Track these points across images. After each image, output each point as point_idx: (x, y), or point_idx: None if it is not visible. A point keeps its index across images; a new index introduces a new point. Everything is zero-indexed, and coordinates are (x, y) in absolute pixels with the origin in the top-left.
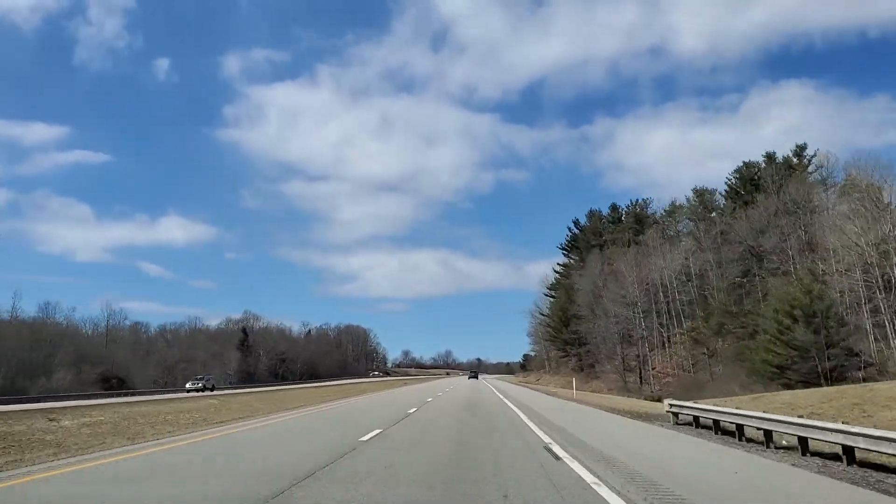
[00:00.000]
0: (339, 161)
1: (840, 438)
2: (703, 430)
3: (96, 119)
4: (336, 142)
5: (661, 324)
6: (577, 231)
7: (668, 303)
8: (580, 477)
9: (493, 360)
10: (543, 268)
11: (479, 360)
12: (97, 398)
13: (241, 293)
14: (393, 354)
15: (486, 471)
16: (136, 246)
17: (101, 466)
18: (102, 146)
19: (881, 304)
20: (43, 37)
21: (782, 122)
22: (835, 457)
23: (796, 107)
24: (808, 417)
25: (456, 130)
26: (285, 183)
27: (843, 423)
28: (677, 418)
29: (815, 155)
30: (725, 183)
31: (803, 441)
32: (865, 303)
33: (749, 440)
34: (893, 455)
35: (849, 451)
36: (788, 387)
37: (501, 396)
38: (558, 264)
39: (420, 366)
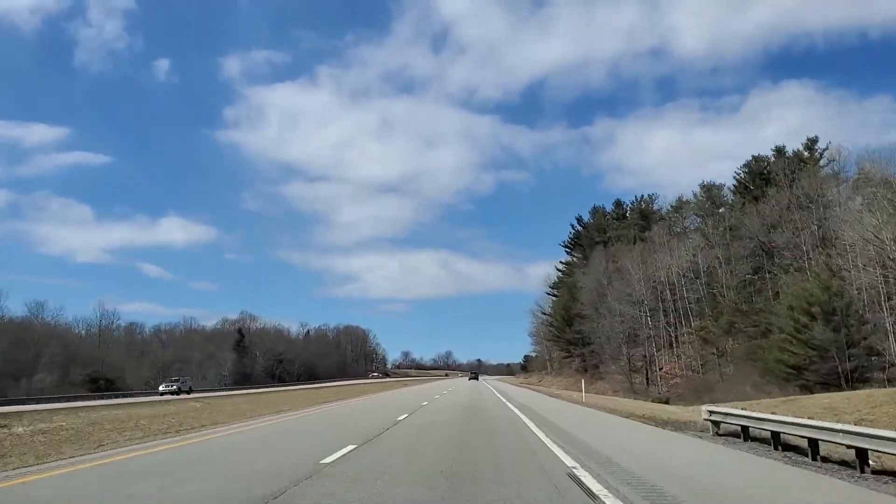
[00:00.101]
0: (340, 162)
1: None
2: (755, 444)
3: (96, 120)
4: (336, 143)
5: (668, 323)
6: (580, 228)
7: (675, 301)
8: None
9: (494, 362)
10: (544, 269)
11: (479, 361)
12: (77, 400)
13: (241, 294)
14: (393, 355)
15: None
16: (137, 247)
17: (28, 485)
18: (102, 147)
19: None
20: (43, 38)
21: (783, 122)
22: None
23: (797, 107)
24: (861, 425)
25: (456, 132)
26: (285, 184)
27: None
28: (717, 428)
29: (826, 148)
30: (734, 177)
31: None
32: (886, 300)
33: (824, 459)
34: None
35: None
36: (806, 388)
37: (504, 400)
38: (561, 262)
39: (420, 367)
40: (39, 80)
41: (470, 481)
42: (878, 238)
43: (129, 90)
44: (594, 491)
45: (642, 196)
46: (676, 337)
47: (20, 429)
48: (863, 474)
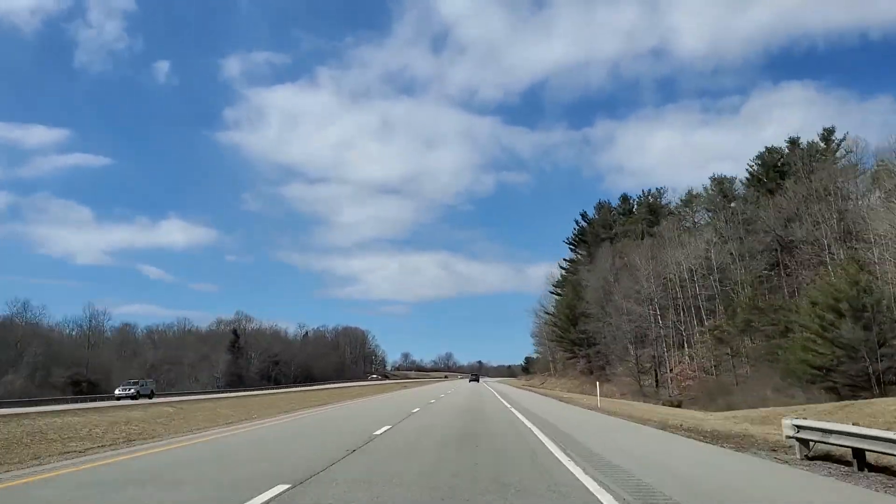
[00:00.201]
0: (340, 164)
1: None
2: (871, 474)
3: (96, 122)
4: (336, 144)
5: (679, 321)
6: (584, 224)
7: (686, 299)
8: None
9: (495, 363)
10: (544, 270)
11: (479, 362)
12: (44, 404)
13: (241, 296)
14: (393, 357)
15: None
16: (137, 249)
17: None
18: (103, 149)
19: None
20: (43, 39)
21: (784, 123)
22: None
23: (798, 108)
24: None
25: (456, 133)
26: (286, 185)
27: None
28: (808, 449)
29: (843, 139)
30: (746, 169)
31: None
32: None
33: None
34: None
35: None
36: (833, 391)
37: (508, 405)
38: (564, 260)
39: (420, 368)
40: (39, 81)
41: None
42: None
43: (130, 91)
44: None
45: (650, 190)
46: (688, 337)
47: None
48: None
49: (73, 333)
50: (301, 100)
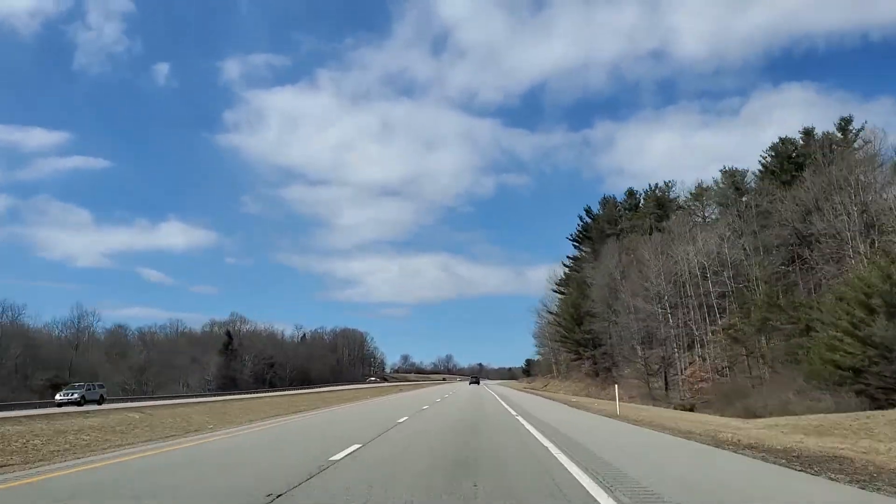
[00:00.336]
0: (340, 166)
1: None
2: None
3: (96, 124)
4: (336, 146)
5: (690, 320)
6: (588, 220)
7: (698, 296)
8: None
9: (495, 366)
10: (545, 272)
11: (480, 365)
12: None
13: (240, 298)
14: (393, 360)
15: None
16: (136, 251)
17: None
18: (102, 151)
19: None
20: (42, 41)
21: (784, 125)
22: None
23: (798, 109)
24: None
25: (456, 135)
26: (286, 188)
27: None
28: None
29: (861, 129)
30: (759, 161)
31: None
32: None
33: None
34: None
35: None
36: (866, 394)
37: (514, 412)
38: (568, 257)
39: (420, 371)
40: (39, 83)
41: None
42: None
43: (129, 94)
44: None
45: (657, 184)
46: (700, 336)
47: None
48: None
49: (61, 335)
50: (301, 102)
